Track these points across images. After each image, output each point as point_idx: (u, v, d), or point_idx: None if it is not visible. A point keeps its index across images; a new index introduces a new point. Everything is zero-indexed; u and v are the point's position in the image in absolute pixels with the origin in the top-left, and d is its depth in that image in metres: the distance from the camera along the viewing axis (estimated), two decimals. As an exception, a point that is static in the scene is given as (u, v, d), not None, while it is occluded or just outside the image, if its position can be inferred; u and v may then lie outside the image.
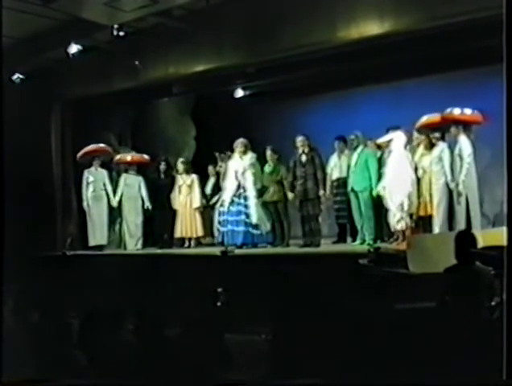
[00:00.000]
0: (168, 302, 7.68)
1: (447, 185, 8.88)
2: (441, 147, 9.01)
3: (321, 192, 9.76)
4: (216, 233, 10.78)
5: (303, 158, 9.82)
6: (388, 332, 5.17)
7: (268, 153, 10.37)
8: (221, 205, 10.58)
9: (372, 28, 9.85)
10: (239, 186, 10.37)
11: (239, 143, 10.49)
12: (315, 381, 5.35)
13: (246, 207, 10.28)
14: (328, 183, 10.20)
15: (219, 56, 11.38)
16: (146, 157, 12.21)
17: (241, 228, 10.21)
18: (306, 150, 9.83)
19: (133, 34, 11.26)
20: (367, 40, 9.98)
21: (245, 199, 10.32)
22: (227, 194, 10.47)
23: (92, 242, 11.69)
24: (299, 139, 9.90)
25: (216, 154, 11.49)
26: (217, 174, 11.62)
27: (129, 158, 12.20)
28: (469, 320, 5.00)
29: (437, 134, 9.25)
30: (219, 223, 10.56)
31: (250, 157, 10.43)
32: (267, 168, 10.40)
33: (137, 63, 11.38)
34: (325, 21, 10.11)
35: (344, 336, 5.52)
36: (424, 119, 9.39)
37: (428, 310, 5.57)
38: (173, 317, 7.40)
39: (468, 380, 4.62)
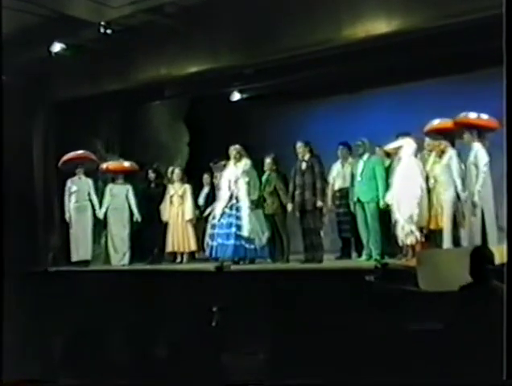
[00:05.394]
0: (158, 323, 7.62)
1: (457, 195, 8.81)
2: (449, 154, 8.93)
3: (319, 203, 9.65)
4: (206, 247, 10.67)
5: (303, 165, 9.75)
6: (396, 354, 5.15)
7: (267, 161, 10.29)
8: (213, 217, 10.50)
9: (379, 26, 9.81)
10: (231, 197, 10.27)
11: (233, 150, 10.40)
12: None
13: (238, 218, 10.16)
14: (330, 194, 10.15)
15: (214, 56, 11.35)
16: (126, 164, 12.12)
17: (231, 242, 10.08)
18: (306, 158, 9.76)
19: (121, 32, 11.21)
20: (374, 39, 9.93)
21: (238, 209, 10.19)
22: (219, 205, 10.38)
23: (74, 257, 11.56)
24: (299, 145, 9.83)
25: (211, 164, 11.40)
26: (212, 184, 11.55)
27: (104, 166, 12.15)
28: (485, 342, 4.94)
29: (447, 140, 9.18)
30: (209, 236, 10.46)
31: (244, 164, 10.32)
32: (264, 177, 10.33)
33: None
34: (329, 18, 10.08)
35: (350, 359, 5.49)
36: (436, 123, 9.33)
37: (440, 331, 5.52)
38: (164, 339, 7.34)
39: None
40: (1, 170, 5.92)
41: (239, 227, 10.12)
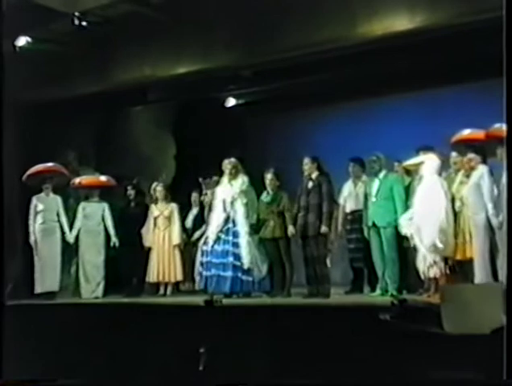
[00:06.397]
0: (137, 367, 7.54)
1: (488, 221, 8.73)
2: (480, 172, 8.86)
3: (323, 229, 9.55)
4: (197, 278, 10.58)
5: (310, 184, 9.72)
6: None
7: (269, 177, 10.25)
8: (205, 243, 10.42)
9: (398, 23, 9.82)
10: (227, 220, 10.23)
11: (227, 164, 10.36)
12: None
13: (235, 245, 10.12)
14: (341, 217, 10.19)
15: (207, 55, 11.38)
16: (102, 179, 12.08)
17: (229, 273, 10.03)
18: (313, 175, 9.71)
19: (99, 24, 11.21)
20: (393, 38, 9.97)
21: (235, 235, 10.16)
22: (212, 229, 10.32)
23: (39, 288, 11.39)
24: (306, 161, 9.79)
25: (200, 180, 11.35)
26: (202, 204, 11.49)
27: (77, 180, 12.07)
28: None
29: (477, 155, 9.11)
30: (201, 265, 10.38)
31: (242, 182, 10.30)
32: (265, 197, 10.29)
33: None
34: (340, 13, 10.11)
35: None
36: (465, 133, 9.28)
37: (468, 381, 5.46)
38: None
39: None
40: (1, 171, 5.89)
41: (236, 257, 10.07)
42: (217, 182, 10.64)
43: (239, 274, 10.05)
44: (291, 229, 9.87)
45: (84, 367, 7.03)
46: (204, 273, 10.27)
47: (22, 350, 7.29)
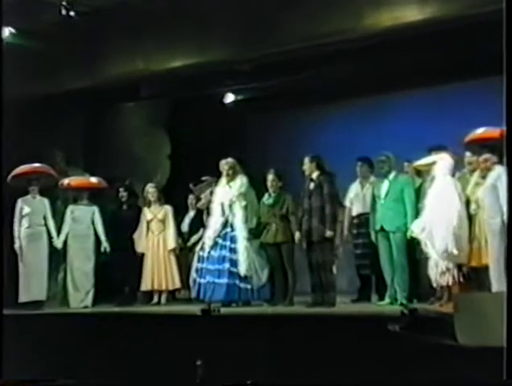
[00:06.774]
0: (130, 382, 7.52)
1: (505, 225, 8.68)
2: (497, 173, 8.81)
3: (328, 233, 9.46)
4: (191, 284, 10.54)
5: (311, 185, 9.65)
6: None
7: (270, 178, 10.20)
8: (202, 248, 10.40)
9: (408, 13, 9.77)
10: (225, 224, 10.22)
11: (224, 165, 10.34)
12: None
13: (233, 251, 10.10)
14: (347, 220, 10.16)
15: (203, 48, 11.34)
16: (92, 180, 12.02)
17: (225, 280, 10.00)
18: (314, 176, 9.65)
19: (88, 15, 11.15)
20: (401, 30, 9.91)
21: (232, 240, 10.14)
22: (209, 233, 10.31)
23: (24, 297, 11.29)
24: (305, 161, 9.73)
25: (191, 186, 11.29)
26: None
27: (65, 182, 11.98)
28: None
29: (493, 155, 9.07)
30: (196, 271, 10.35)
31: (240, 184, 10.27)
32: (267, 199, 10.24)
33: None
34: (343, 4, 10.03)
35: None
36: (480, 131, 9.24)
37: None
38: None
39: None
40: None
41: (233, 263, 10.04)
42: (216, 183, 10.59)
43: (236, 281, 10.02)
44: (297, 235, 9.79)
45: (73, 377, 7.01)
46: (198, 279, 10.25)
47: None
